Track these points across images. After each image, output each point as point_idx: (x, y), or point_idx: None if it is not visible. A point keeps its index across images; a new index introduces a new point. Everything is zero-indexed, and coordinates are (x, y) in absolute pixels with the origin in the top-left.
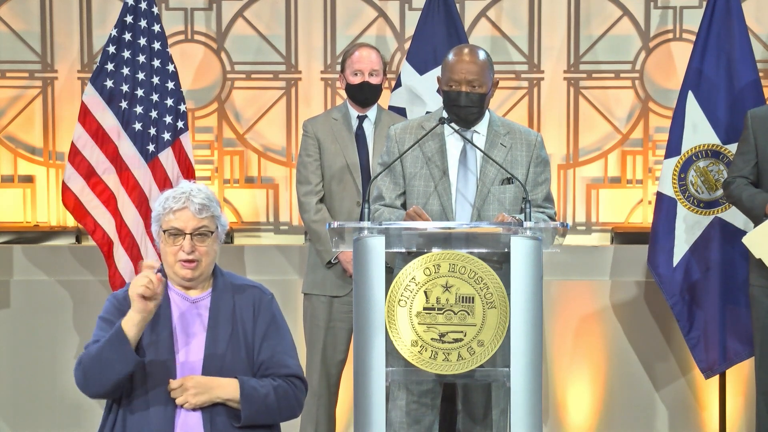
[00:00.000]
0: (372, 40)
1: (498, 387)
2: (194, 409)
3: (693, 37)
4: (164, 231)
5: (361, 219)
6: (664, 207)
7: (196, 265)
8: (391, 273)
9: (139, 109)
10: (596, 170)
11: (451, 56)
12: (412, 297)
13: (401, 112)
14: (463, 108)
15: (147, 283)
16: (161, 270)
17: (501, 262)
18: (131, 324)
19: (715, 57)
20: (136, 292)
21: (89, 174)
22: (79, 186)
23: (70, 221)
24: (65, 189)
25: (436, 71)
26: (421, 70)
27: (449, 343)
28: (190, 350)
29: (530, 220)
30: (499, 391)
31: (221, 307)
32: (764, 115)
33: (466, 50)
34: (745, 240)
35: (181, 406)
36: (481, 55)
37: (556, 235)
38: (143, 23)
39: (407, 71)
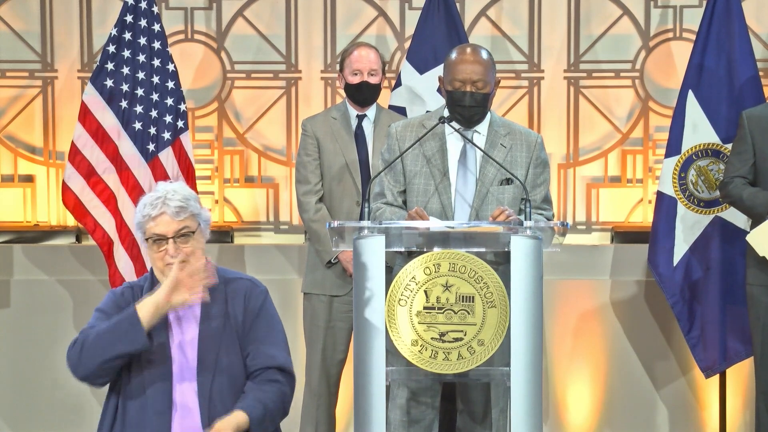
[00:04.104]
0: (372, 40)
1: (498, 386)
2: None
3: (693, 37)
4: (147, 239)
5: (361, 218)
6: (664, 206)
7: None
8: (391, 272)
9: (139, 109)
10: (596, 169)
11: (454, 56)
12: (412, 296)
13: (401, 111)
14: (468, 108)
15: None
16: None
17: (501, 262)
18: (146, 310)
19: (715, 56)
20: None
21: (89, 173)
22: (79, 185)
23: (70, 221)
24: (65, 188)
25: (436, 71)
26: (421, 69)
27: (449, 342)
28: (185, 345)
29: (530, 220)
30: (499, 391)
31: (213, 301)
32: (759, 114)
33: (469, 50)
34: (748, 238)
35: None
36: (484, 54)
37: (556, 235)
38: (143, 23)
39: (407, 71)
